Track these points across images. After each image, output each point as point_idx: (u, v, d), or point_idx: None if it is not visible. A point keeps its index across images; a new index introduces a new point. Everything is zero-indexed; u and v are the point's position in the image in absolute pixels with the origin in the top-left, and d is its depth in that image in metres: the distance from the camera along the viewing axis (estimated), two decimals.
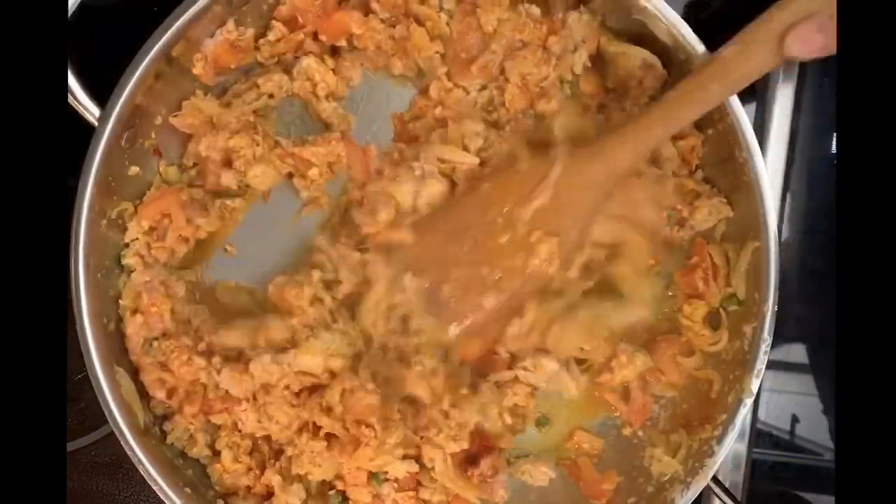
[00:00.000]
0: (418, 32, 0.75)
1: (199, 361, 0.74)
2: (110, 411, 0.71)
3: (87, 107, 0.70)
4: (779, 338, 0.70)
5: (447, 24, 0.76)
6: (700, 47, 0.68)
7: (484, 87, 0.77)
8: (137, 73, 0.70)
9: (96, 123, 0.70)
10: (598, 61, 0.76)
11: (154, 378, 0.75)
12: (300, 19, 0.76)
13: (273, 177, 0.77)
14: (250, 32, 0.76)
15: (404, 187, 0.73)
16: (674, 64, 0.72)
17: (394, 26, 0.76)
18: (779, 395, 1.07)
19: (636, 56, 0.74)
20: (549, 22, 0.75)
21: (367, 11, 0.76)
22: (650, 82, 0.74)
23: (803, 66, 0.82)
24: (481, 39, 0.75)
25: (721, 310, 0.74)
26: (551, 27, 0.75)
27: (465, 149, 0.74)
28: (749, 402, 0.70)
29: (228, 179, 0.77)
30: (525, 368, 0.74)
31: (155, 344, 0.75)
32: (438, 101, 0.77)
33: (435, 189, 0.73)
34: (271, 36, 0.76)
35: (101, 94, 0.70)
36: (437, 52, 0.76)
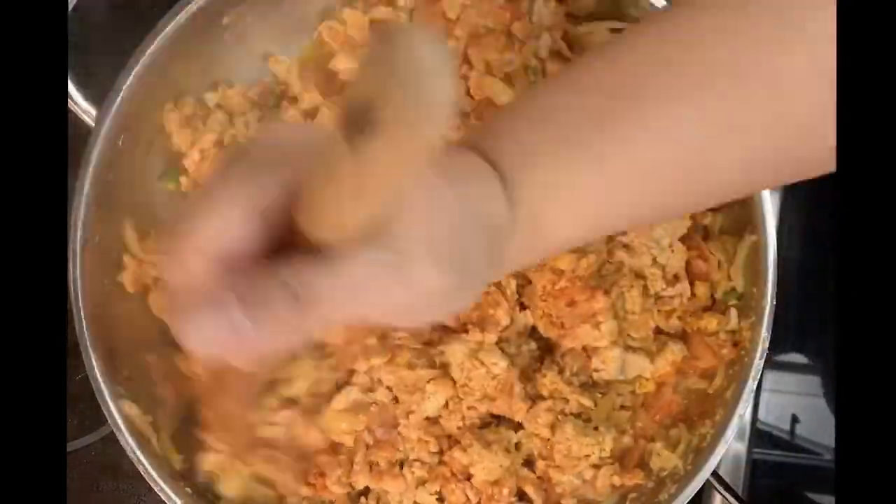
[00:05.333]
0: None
1: None
2: (110, 412, 0.71)
3: (84, 107, 0.70)
4: (779, 336, 0.70)
5: (408, 19, 0.76)
6: None
7: None
8: (134, 72, 0.69)
9: (93, 125, 0.70)
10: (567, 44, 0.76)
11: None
12: None
13: None
14: None
15: None
16: None
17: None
18: (779, 395, 1.07)
19: (603, 32, 0.74)
20: (512, 8, 0.74)
21: None
22: None
23: None
24: (445, 26, 0.75)
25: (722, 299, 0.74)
26: (515, 12, 0.74)
27: None
28: (748, 397, 0.70)
29: None
30: (596, 369, 0.74)
31: None
32: None
33: None
34: None
35: (97, 94, 0.70)
36: None
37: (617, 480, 0.73)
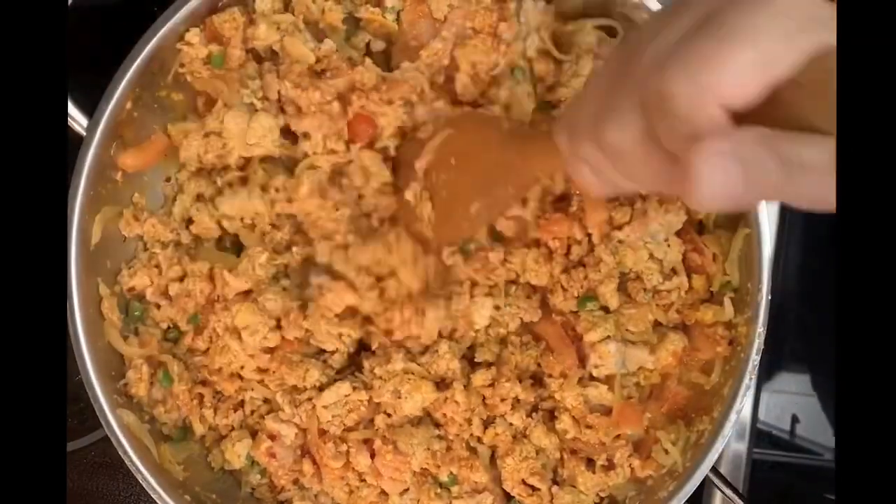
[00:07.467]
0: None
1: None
2: (106, 419, 0.71)
3: (74, 116, 0.70)
4: (779, 336, 0.70)
5: (396, 19, 0.75)
6: None
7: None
8: (125, 80, 0.69)
9: (84, 133, 0.70)
10: (555, 42, 0.76)
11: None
12: None
13: None
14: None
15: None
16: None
17: None
18: (779, 395, 1.08)
19: (591, 31, 0.74)
20: (499, 9, 0.74)
21: None
22: (607, 54, 0.74)
23: None
24: (432, 26, 0.75)
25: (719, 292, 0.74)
26: (501, 14, 0.74)
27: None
28: (745, 392, 0.70)
29: None
30: (595, 366, 0.74)
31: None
32: None
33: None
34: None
35: (87, 102, 0.69)
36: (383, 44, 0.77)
37: (636, 462, 0.74)
